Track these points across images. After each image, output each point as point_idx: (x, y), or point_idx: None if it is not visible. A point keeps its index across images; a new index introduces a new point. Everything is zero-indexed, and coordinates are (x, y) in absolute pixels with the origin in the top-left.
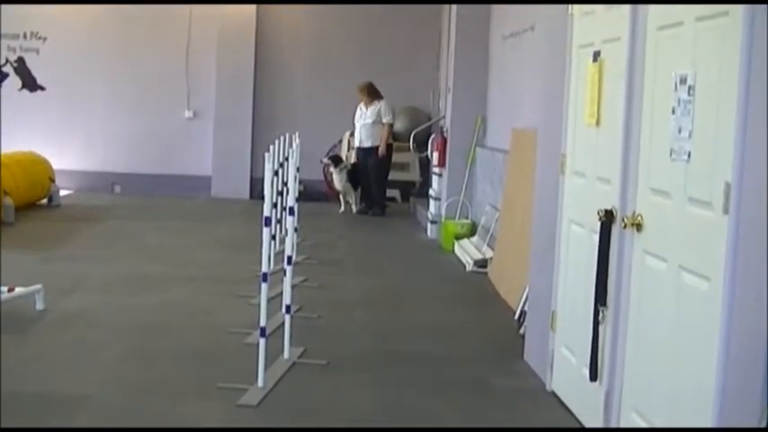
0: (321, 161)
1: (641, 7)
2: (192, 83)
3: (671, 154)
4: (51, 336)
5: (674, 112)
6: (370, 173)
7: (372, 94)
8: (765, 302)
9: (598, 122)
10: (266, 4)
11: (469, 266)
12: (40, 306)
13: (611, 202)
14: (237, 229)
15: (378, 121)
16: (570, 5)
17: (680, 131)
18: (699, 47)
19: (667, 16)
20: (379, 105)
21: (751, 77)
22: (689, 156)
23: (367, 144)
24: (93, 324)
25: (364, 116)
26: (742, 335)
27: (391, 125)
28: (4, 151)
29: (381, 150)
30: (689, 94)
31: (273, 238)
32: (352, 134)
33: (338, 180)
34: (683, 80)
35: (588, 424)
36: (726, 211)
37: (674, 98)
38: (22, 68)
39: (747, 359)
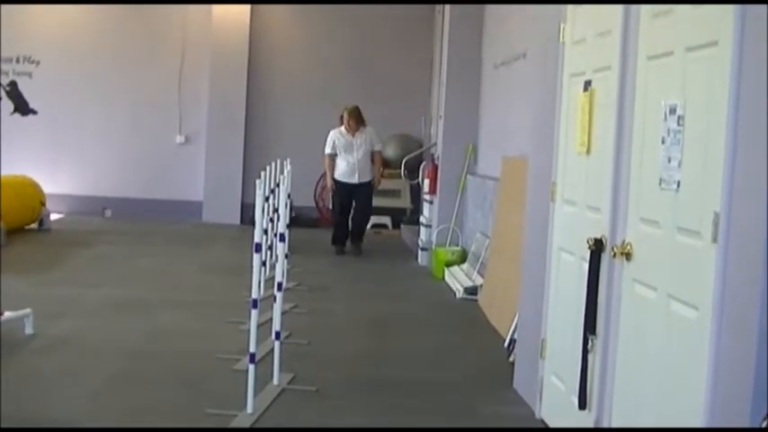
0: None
1: (631, 37)
2: (184, 108)
3: (660, 183)
4: (40, 360)
5: (663, 141)
6: (356, 209)
7: (361, 119)
8: (753, 331)
9: (588, 151)
10: (259, 26)
11: (460, 294)
12: (29, 330)
13: (601, 231)
14: (228, 255)
15: (369, 150)
16: (561, 33)
17: (669, 161)
18: (688, 77)
19: (657, 46)
20: (367, 133)
21: (740, 108)
22: (678, 185)
23: (364, 179)
24: (82, 349)
25: (355, 147)
26: (730, 363)
27: (381, 152)
28: None
29: (378, 182)
30: (678, 123)
31: (264, 264)
32: None
33: None
34: (673, 110)
35: None
36: (714, 240)
37: (663, 128)
38: (14, 92)
39: (735, 387)
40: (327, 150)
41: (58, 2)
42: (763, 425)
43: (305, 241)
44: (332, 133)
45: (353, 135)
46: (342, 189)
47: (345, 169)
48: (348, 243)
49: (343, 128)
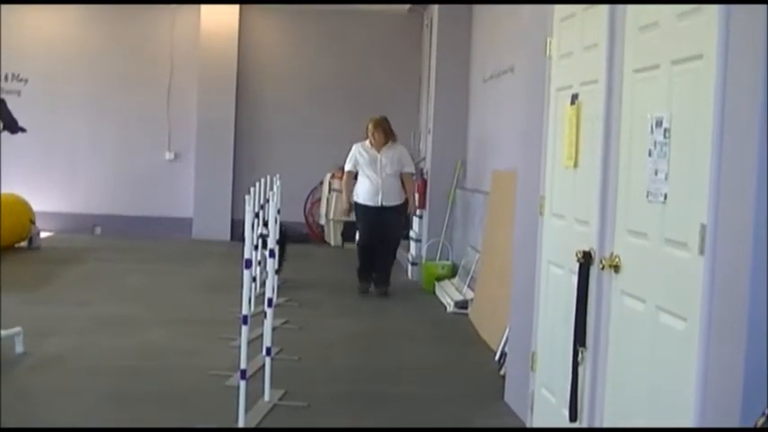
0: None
1: (617, 50)
2: (173, 125)
3: (647, 196)
4: (31, 378)
5: (650, 154)
6: (380, 241)
7: (390, 133)
8: (741, 342)
9: (576, 164)
10: (248, 43)
11: (450, 308)
12: (19, 349)
13: (590, 244)
14: (218, 271)
15: (398, 170)
16: (548, 47)
17: (656, 173)
18: (674, 90)
19: (643, 59)
20: (397, 150)
21: (725, 120)
22: (665, 197)
23: (392, 202)
24: (72, 366)
25: (379, 164)
26: (719, 374)
27: (413, 174)
28: None
29: (411, 208)
30: (665, 136)
31: (254, 280)
32: (333, 176)
33: None
34: (659, 123)
35: None
36: (702, 252)
37: (650, 140)
38: (3, 110)
39: (724, 397)
40: (347, 167)
41: (57, 2)
42: (759, 423)
43: (295, 257)
44: (354, 147)
45: (379, 150)
46: (362, 213)
47: (367, 189)
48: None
49: (367, 142)
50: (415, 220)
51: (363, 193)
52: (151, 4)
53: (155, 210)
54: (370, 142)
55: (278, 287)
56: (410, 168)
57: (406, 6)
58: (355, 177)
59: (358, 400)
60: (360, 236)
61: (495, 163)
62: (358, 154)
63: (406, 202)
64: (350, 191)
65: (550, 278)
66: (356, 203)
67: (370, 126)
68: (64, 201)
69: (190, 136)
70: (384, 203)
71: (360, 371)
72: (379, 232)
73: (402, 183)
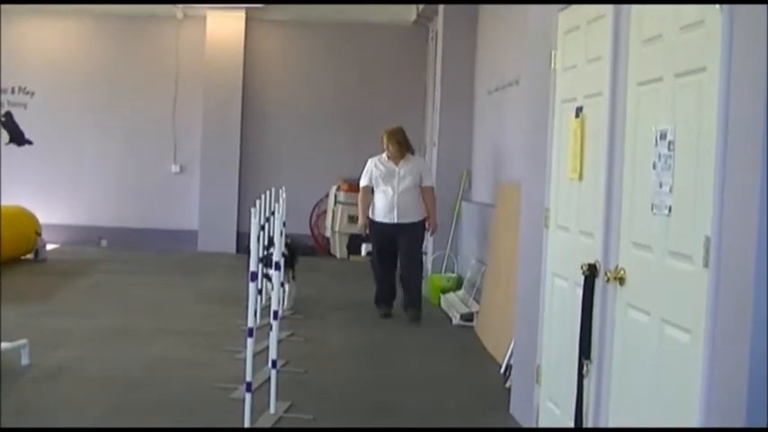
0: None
1: (621, 63)
2: (179, 137)
3: (652, 208)
4: (36, 390)
5: (654, 166)
6: (401, 262)
7: (405, 145)
8: (745, 354)
9: (581, 177)
10: (253, 55)
11: (456, 320)
12: (25, 361)
13: (595, 256)
14: (224, 283)
15: (417, 184)
16: (552, 60)
17: (661, 186)
18: (678, 102)
19: (647, 72)
20: (416, 162)
21: (728, 132)
22: (670, 210)
23: (408, 219)
24: (78, 378)
25: (397, 177)
26: (722, 386)
27: (433, 188)
28: None
29: (432, 226)
30: (669, 149)
31: (260, 292)
32: (338, 188)
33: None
34: (663, 135)
35: None
36: (706, 264)
37: (654, 153)
38: (9, 123)
39: (728, 410)
40: (362, 182)
41: (58, 2)
42: None
43: (300, 269)
44: (369, 162)
45: (396, 163)
46: (378, 232)
47: (383, 205)
48: (397, 305)
49: (384, 155)
50: None
51: (379, 209)
52: (157, 17)
53: (160, 222)
54: (387, 155)
55: (283, 299)
56: (430, 182)
57: (412, 19)
58: (372, 193)
59: (363, 411)
60: (375, 258)
61: (501, 175)
62: (374, 167)
63: (426, 218)
64: (366, 207)
65: (555, 290)
66: (371, 221)
67: (384, 138)
68: (70, 213)
69: (195, 148)
70: (400, 220)
71: (366, 383)
72: (395, 253)
73: (422, 197)
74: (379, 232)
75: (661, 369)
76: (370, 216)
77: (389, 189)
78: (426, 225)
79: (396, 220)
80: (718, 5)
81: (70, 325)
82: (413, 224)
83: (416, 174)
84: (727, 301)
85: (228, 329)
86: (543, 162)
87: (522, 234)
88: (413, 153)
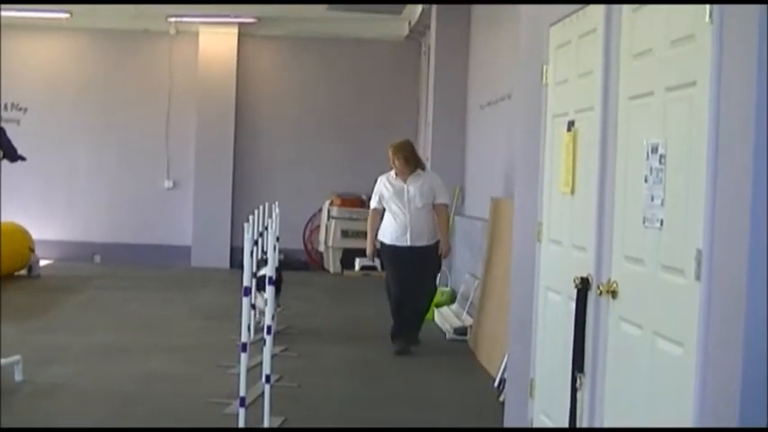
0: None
1: (612, 77)
2: (172, 153)
3: (644, 222)
4: (30, 407)
5: (646, 180)
6: (418, 283)
7: (415, 160)
8: (737, 367)
9: (573, 191)
10: (246, 71)
11: (449, 334)
12: (18, 377)
13: (587, 270)
14: (217, 299)
15: (431, 202)
16: (544, 74)
17: (652, 199)
18: (669, 116)
19: (638, 86)
20: (427, 178)
21: (719, 146)
22: (661, 223)
23: (420, 242)
24: (72, 394)
25: (406, 196)
26: (715, 399)
27: (448, 206)
28: None
29: (446, 248)
30: (660, 162)
31: (253, 307)
32: (332, 203)
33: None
34: (655, 149)
35: None
36: (698, 277)
37: (645, 167)
38: (2, 139)
39: (721, 423)
40: (372, 203)
41: (57, 2)
42: None
43: (294, 284)
44: (379, 180)
45: (404, 180)
46: (390, 256)
47: (393, 227)
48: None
49: (393, 172)
50: None
51: (391, 231)
52: (150, 33)
53: (154, 238)
54: (396, 172)
55: (277, 315)
56: (444, 199)
57: (404, 34)
58: (382, 215)
59: (358, 426)
60: (391, 287)
61: (494, 189)
62: (383, 187)
63: (439, 241)
64: (374, 231)
65: (548, 304)
66: (382, 244)
67: (390, 153)
68: (63, 229)
69: (188, 164)
70: (414, 243)
71: (359, 398)
72: (411, 279)
73: (437, 217)
74: (392, 257)
75: (654, 382)
76: (381, 238)
77: (400, 210)
78: (438, 247)
79: (409, 243)
80: (708, 18)
81: (64, 341)
82: (428, 248)
83: (428, 191)
84: (719, 313)
85: (222, 344)
86: (536, 176)
87: (515, 248)
88: (423, 168)
